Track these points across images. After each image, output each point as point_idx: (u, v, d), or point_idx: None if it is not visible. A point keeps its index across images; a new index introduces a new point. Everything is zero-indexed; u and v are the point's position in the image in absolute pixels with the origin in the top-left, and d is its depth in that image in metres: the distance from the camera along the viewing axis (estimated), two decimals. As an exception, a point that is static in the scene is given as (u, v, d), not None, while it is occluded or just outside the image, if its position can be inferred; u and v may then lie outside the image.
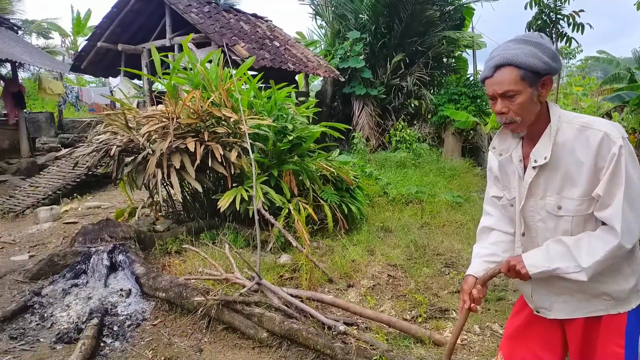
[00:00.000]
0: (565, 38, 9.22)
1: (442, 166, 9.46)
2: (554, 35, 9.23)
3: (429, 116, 11.60)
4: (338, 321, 3.42)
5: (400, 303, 3.90)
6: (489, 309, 3.82)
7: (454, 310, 3.76)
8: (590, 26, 8.94)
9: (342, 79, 11.06)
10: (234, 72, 5.59)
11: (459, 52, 13.32)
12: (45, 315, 3.65)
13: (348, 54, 11.11)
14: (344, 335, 3.28)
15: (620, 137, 1.46)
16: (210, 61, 5.91)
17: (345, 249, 4.84)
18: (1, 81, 11.35)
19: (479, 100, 10.83)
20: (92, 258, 4.14)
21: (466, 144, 11.19)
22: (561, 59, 1.60)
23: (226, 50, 8.41)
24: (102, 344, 3.30)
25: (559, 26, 9.17)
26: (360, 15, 11.73)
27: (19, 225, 6.30)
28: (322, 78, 11.96)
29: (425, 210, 6.51)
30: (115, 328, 3.49)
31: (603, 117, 10.29)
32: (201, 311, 3.50)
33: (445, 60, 13.32)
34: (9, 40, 10.66)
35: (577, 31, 8.98)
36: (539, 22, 9.16)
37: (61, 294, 3.88)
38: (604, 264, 1.48)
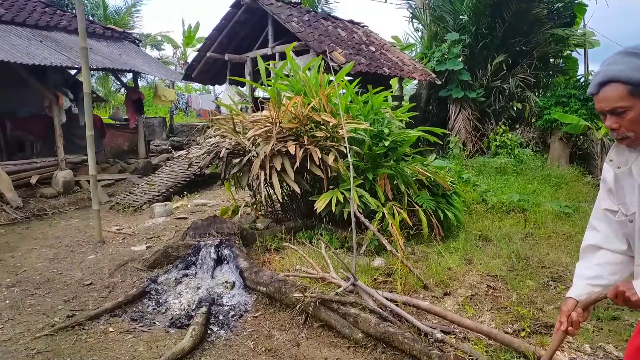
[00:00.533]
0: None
1: (548, 173, 8.82)
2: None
3: (533, 120, 10.88)
4: (435, 328, 3.36)
5: (500, 315, 3.72)
6: (601, 329, 3.51)
7: (562, 328, 3.50)
8: None
9: (439, 82, 10.79)
10: (332, 77, 5.73)
11: (568, 52, 12.33)
12: (161, 301, 4.02)
13: (446, 56, 10.82)
14: (441, 343, 3.21)
15: None
16: (310, 68, 6.12)
17: (441, 256, 4.72)
18: (123, 89, 12.70)
19: (590, 103, 9.93)
20: (201, 251, 4.48)
21: (575, 150, 10.31)
22: None
23: (325, 57, 8.66)
24: (209, 331, 3.56)
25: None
26: (460, 17, 11.37)
27: (137, 218, 7.01)
28: (416, 82, 11.77)
29: (528, 219, 6.12)
30: (221, 317, 3.74)
31: None
32: (299, 307, 3.62)
33: (552, 60, 12.41)
34: (131, 52, 11.92)
35: None
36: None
37: (174, 283, 4.25)
38: None
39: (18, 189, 8.16)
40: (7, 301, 4.03)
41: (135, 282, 4.36)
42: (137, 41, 13.32)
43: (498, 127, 10.26)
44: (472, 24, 10.94)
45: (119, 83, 21.14)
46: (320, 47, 8.75)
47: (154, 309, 3.93)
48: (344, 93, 5.88)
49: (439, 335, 3.24)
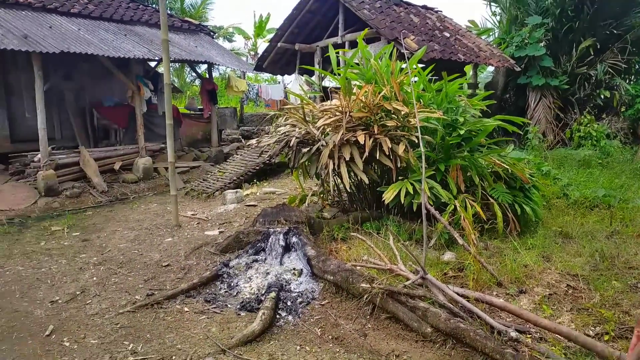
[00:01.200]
0: None
1: (638, 167, 8.06)
2: None
3: (622, 109, 9.98)
4: (509, 327, 3.19)
5: (581, 317, 3.47)
6: None
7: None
8: None
9: (518, 69, 10.19)
10: (405, 65, 5.58)
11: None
12: (232, 284, 4.17)
13: (526, 41, 10.17)
14: (516, 343, 3.05)
15: None
16: (381, 56, 6.00)
17: (516, 252, 4.47)
18: (198, 80, 13.24)
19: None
20: (271, 238, 4.58)
21: (671, 142, 9.35)
22: None
23: (397, 44, 8.47)
24: (277, 316, 3.63)
25: None
26: (543, -1, 10.64)
27: (210, 204, 7.31)
28: (492, 69, 11.19)
29: (615, 216, 5.63)
30: (289, 303, 3.81)
31: None
32: (366, 298, 3.60)
33: (648, 43, 11.29)
34: (206, 44, 12.38)
35: None
36: None
37: (244, 267, 4.39)
38: None
39: (103, 174, 8.82)
40: (94, 278, 4.37)
41: (209, 265, 4.55)
42: (212, 33, 13.81)
43: (582, 116, 9.51)
44: (557, 6, 10.18)
45: (193, 74, 22.14)
46: (392, 34, 8.57)
47: (225, 291, 4.08)
48: (416, 81, 5.71)
49: (514, 334, 3.08)
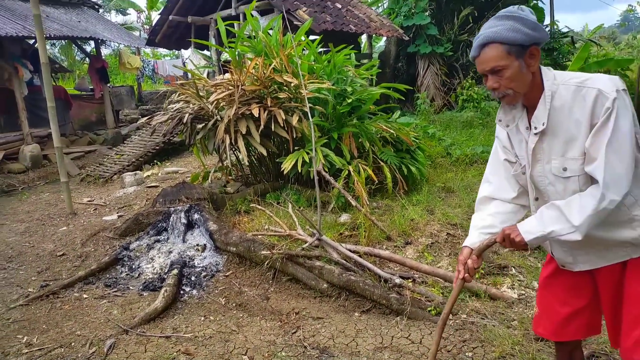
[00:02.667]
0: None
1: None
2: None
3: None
4: (394, 275, 3.58)
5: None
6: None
7: (514, 267, 3.77)
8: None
9: (406, 38, 10.77)
10: (293, 36, 5.69)
11: (534, 2, 12.36)
12: (133, 267, 4.15)
13: (413, 10, 10.75)
14: (400, 288, 3.44)
15: (614, 90, 1.45)
16: (272, 28, 6.06)
17: (404, 208, 4.92)
18: (87, 58, 12.31)
19: (555, 53, 10.12)
20: (172, 217, 4.58)
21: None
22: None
23: (289, 15, 8.52)
24: (181, 292, 3.71)
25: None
26: (426, -31, 11.23)
27: (108, 189, 7.02)
28: (385, 38, 11.71)
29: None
30: (193, 278, 3.90)
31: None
32: (267, 264, 3.80)
33: (519, 11, 12.45)
34: (91, 19, 11.50)
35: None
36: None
37: (146, 249, 4.37)
38: (597, 218, 1.48)
39: (-17, 166, 8.05)
40: (-20, 276, 4.10)
41: (108, 251, 4.46)
42: (96, 6, 12.81)
43: (465, 81, 10.37)
44: (439, -23, 10.85)
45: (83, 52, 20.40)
46: (284, 5, 8.60)
47: (127, 274, 4.06)
48: (307, 53, 5.87)
49: (398, 281, 3.47)
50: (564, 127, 1.53)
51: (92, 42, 11.71)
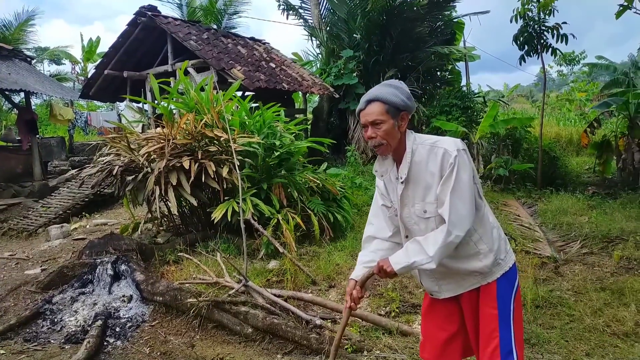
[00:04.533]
0: (551, 49, 9.55)
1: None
2: (539, 47, 9.57)
3: (423, 127, 11.97)
4: (315, 316, 3.81)
5: (376, 300, 4.26)
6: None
7: (425, 306, 4.12)
8: (574, 36, 9.29)
9: (337, 96, 11.52)
10: (222, 95, 6.05)
11: (451, 65, 13.74)
12: (56, 320, 4.08)
13: (342, 71, 11.60)
14: (320, 329, 3.66)
15: (456, 149, 1.86)
16: (204, 86, 6.40)
17: (330, 254, 5.22)
18: (15, 109, 11.98)
19: (469, 111, 11.20)
20: (98, 268, 4.57)
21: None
22: (413, 99, 2.02)
23: (224, 73, 8.95)
24: (105, 343, 3.71)
25: (544, 36, 9.51)
26: (354, 35, 12.25)
27: (32, 243, 6.78)
28: (319, 96, 12.43)
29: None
30: (118, 329, 3.90)
31: (592, 123, 10.62)
32: (193, 311, 3.90)
33: (438, 73, 13.75)
34: (23, 71, 11.32)
35: (562, 42, 9.33)
36: (525, 34, 9.52)
37: (70, 301, 4.31)
38: (447, 250, 1.85)
39: None
40: None
41: (29, 305, 4.35)
42: (29, 59, 12.63)
43: (392, 135, 11.14)
44: (365, 42, 11.85)
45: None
46: (219, 65, 9.03)
47: (48, 328, 3.98)
48: (238, 109, 6.23)
49: (318, 322, 3.70)
50: (423, 177, 1.92)
51: (22, 94, 11.47)
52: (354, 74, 11.52)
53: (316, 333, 3.58)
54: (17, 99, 13.69)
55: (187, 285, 4.25)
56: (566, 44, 9.39)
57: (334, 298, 4.33)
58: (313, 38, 13.54)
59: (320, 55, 13.72)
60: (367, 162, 10.57)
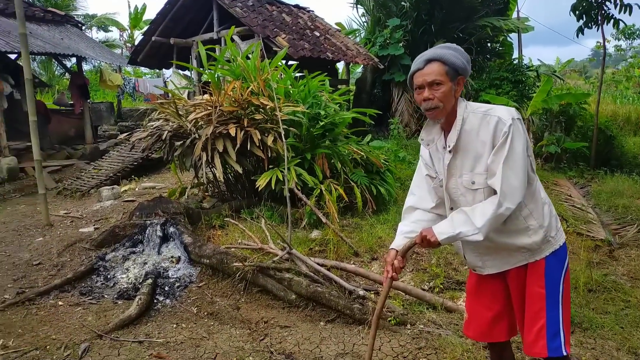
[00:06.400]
0: (612, 20, 8.93)
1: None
2: (599, 18, 8.96)
3: (471, 101, 11.58)
4: (358, 287, 3.82)
5: (419, 275, 4.23)
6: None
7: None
8: (639, 6, 8.64)
9: (382, 67, 11.25)
10: (269, 62, 6.01)
11: (503, 37, 13.10)
12: (109, 276, 4.28)
13: (388, 41, 11.28)
14: (363, 299, 3.67)
15: (510, 118, 1.77)
16: (251, 53, 6.37)
17: (372, 227, 5.19)
18: (67, 74, 12.39)
19: (521, 85, 10.72)
20: (148, 229, 4.74)
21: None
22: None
23: (267, 41, 8.88)
24: (155, 301, 3.86)
25: (606, 6, 8.89)
26: (402, 3, 11.82)
27: (85, 203, 7.10)
28: (362, 66, 12.19)
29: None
30: (167, 288, 4.05)
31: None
32: (239, 275, 3.99)
33: (489, 45, 13.16)
34: (74, 36, 11.66)
35: (625, 12, 8.70)
36: (584, 4, 8.93)
37: (121, 260, 4.51)
38: (495, 222, 1.77)
39: (-42, 177, 8.02)
40: (-45, 284, 4.17)
41: (84, 261, 4.57)
42: (80, 24, 12.98)
43: (437, 109, 10.83)
44: (413, 10, 11.43)
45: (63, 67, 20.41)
46: (264, 32, 8.97)
47: (102, 283, 4.18)
48: (283, 77, 6.19)
49: (361, 293, 3.70)
50: (473, 146, 1.83)
51: (73, 59, 11.84)
52: (400, 44, 11.18)
53: (359, 303, 3.58)
54: (68, 64, 14.15)
55: (232, 249, 4.35)
56: (630, 14, 8.75)
57: (376, 270, 4.32)
58: (359, 6, 13.16)
59: (365, 24, 13.37)
60: (411, 135, 10.36)
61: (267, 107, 5.27)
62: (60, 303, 3.80)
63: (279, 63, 6.11)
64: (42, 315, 3.61)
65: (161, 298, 3.93)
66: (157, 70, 22.26)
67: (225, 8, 9.45)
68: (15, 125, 9.83)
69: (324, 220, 4.80)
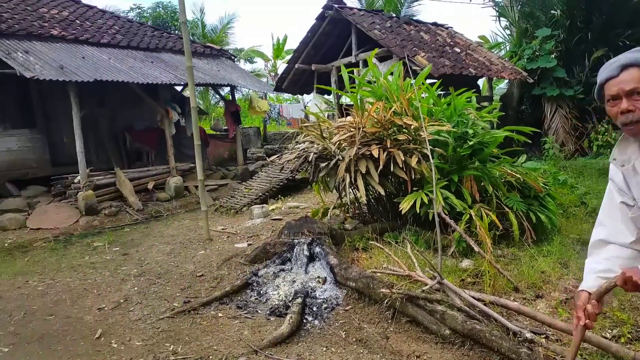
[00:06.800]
0: None
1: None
2: None
3: (641, 116, 10.01)
4: (524, 328, 3.38)
5: (599, 320, 3.62)
6: None
7: (667, 334, 3.35)
8: None
9: (531, 80, 10.36)
10: (413, 81, 5.87)
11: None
12: (261, 292, 4.46)
13: (537, 53, 10.36)
14: (531, 343, 3.23)
15: None
16: (392, 73, 6.31)
17: (533, 259, 4.64)
18: (221, 102, 13.74)
19: None
20: (295, 248, 4.87)
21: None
22: None
23: (408, 61, 8.77)
24: (304, 320, 3.90)
25: None
26: (552, 11, 10.82)
27: (238, 219, 7.67)
28: (507, 81, 11.37)
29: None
30: (315, 309, 4.07)
31: None
32: (386, 302, 3.83)
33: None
34: (228, 68, 12.93)
35: None
36: None
37: (272, 276, 4.68)
38: None
39: (138, 193, 9.31)
40: (136, 288, 4.74)
41: (239, 275, 4.86)
42: (232, 57, 14.39)
43: (600, 125, 9.59)
44: (566, 18, 10.37)
45: (217, 96, 22.87)
46: (402, 52, 8.90)
47: (255, 298, 4.37)
48: (425, 96, 5.99)
49: (529, 335, 3.26)
50: None
51: (226, 88, 13.11)
52: (552, 56, 10.18)
53: (527, 348, 3.16)
54: (222, 93, 15.73)
55: (378, 274, 4.22)
56: None
57: (542, 310, 3.81)
58: (502, 18, 12.40)
59: (510, 37, 12.51)
60: (570, 156, 9.27)
61: (412, 127, 5.11)
62: (220, 315, 4.05)
63: (421, 82, 5.93)
64: (205, 325, 3.87)
65: (310, 318, 3.95)
66: (295, 96, 23.68)
67: (364, 32, 9.62)
68: (180, 148, 11.17)
69: (476, 248, 4.43)
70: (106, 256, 6.03)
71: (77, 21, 11.21)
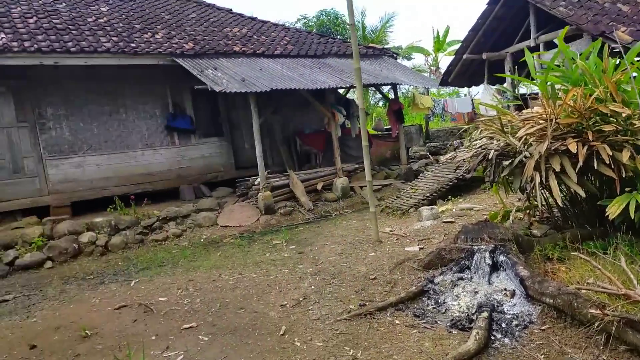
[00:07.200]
0: None
1: None
2: None
3: None
4: None
5: None
6: None
7: None
8: None
9: None
10: (620, 61, 4.90)
11: None
12: (439, 301, 4.17)
13: None
14: None
15: None
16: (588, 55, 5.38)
17: None
18: (383, 101, 13.71)
19: None
20: (475, 255, 4.45)
21: None
22: None
23: (604, 38, 7.48)
24: (492, 337, 3.50)
25: None
26: None
27: (405, 221, 7.47)
28: None
29: None
30: (503, 325, 3.63)
31: None
32: (597, 325, 3.21)
33: None
34: (390, 66, 12.83)
35: None
36: None
37: (450, 285, 4.35)
38: None
39: (308, 194, 9.83)
40: (312, 287, 4.89)
41: (413, 281, 4.65)
42: (394, 55, 14.25)
43: None
44: None
45: (377, 96, 23.09)
46: (597, 29, 7.64)
47: (433, 307, 4.10)
48: (635, 77, 4.95)
49: None
50: None
51: (386, 86, 13.01)
52: None
53: None
54: (383, 91, 15.71)
55: (584, 291, 3.58)
56: None
57: None
58: None
59: None
60: None
61: (623, 114, 4.25)
62: (396, 322, 3.89)
63: (631, 61, 4.90)
64: (382, 331, 3.75)
65: (499, 335, 3.53)
66: (457, 91, 22.49)
67: (545, 10, 8.53)
68: (345, 149, 11.45)
69: None
70: (284, 254, 6.41)
71: (255, 36, 12.33)
